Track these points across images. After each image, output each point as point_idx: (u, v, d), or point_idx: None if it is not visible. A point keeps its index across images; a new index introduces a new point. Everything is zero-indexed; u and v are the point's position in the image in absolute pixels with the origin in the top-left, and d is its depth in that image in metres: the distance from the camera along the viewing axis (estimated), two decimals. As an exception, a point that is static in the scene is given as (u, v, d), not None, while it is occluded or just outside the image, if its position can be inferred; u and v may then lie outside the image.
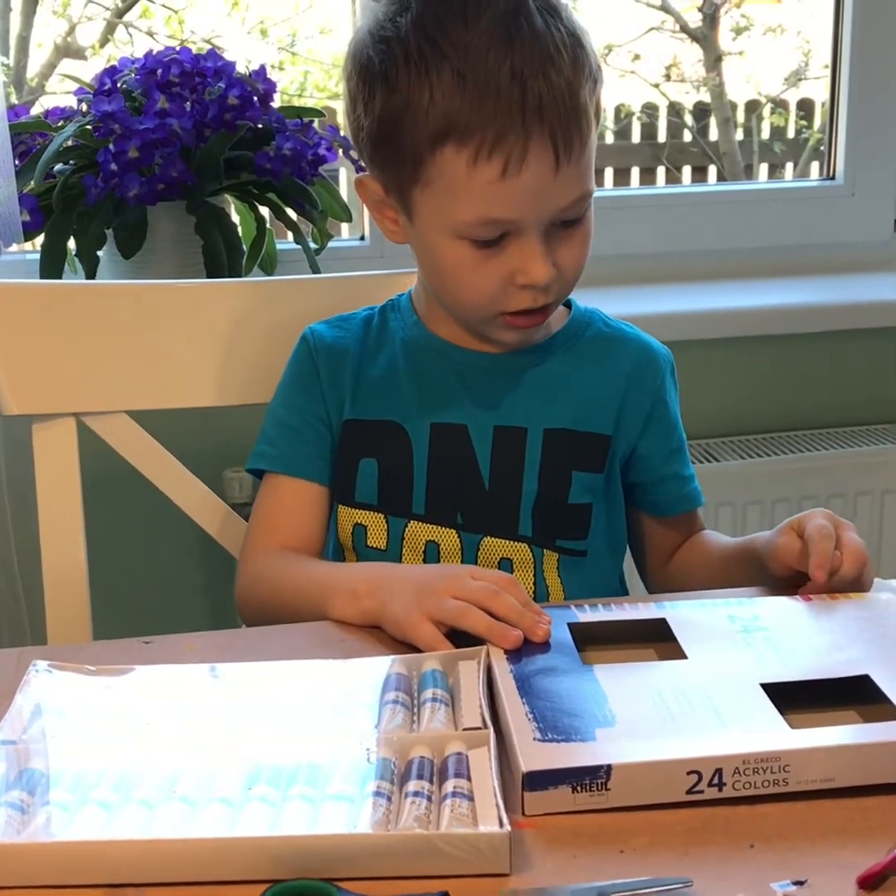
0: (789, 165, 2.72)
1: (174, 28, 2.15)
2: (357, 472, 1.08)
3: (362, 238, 1.89)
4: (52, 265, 1.52)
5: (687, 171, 2.67)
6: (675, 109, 2.67)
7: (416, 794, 0.69)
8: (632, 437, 1.09)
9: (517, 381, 1.08)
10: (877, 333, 1.92)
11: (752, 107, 2.70)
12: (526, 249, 0.98)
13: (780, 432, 1.91)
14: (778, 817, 0.70)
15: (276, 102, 1.63)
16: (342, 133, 1.61)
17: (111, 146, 1.49)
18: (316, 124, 1.64)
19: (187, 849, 0.65)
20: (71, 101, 1.62)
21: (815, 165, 2.60)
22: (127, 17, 2.14)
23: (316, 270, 1.62)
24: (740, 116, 2.65)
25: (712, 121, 2.55)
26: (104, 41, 2.15)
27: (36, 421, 1.19)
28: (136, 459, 1.22)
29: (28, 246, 1.67)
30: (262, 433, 1.12)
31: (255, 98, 1.58)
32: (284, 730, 0.78)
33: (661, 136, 2.71)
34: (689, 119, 2.66)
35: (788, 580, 0.97)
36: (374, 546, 1.07)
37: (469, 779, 0.70)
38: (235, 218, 1.66)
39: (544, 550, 1.06)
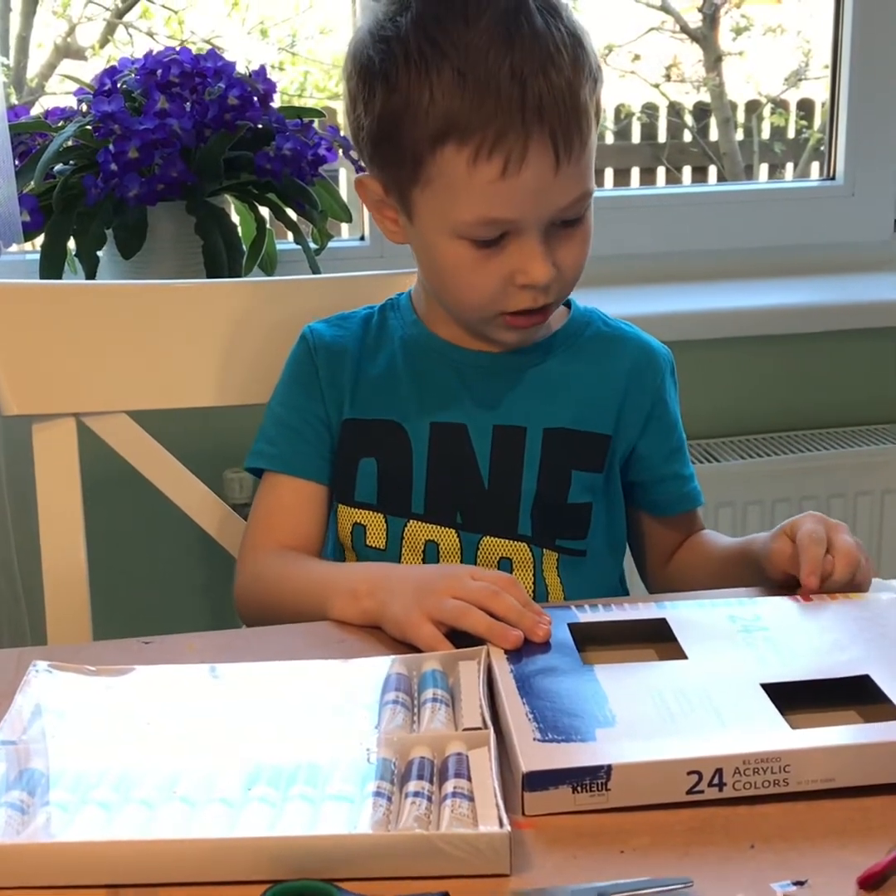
0: (789, 166, 2.73)
1: (174, 28, 2.15)
2: (356, 471, 1.08)
3: (362, 238, 1.89)
4: (52, 265, 1.52)
5: (687, 171, 2.67)
6: (675, 109, 2.67)
7: (416, 794, 0.69)
8: (632, 437, 1.09)
9: (517, 381, 1.08)
10: (877, 333, 1.92)
11: (753, 107, 2.70)
12: (526, 249, 0.98)
13: (780, 432, 1.91)
14: (778, 817, 0.70)
15: (276, 103, 1.63)
16: (342, 133, 1.61)
17: (111, 146, 1.49)
18: (316, 124, 1.64)
19: (187, 849, 0.65)
20: (71, 102, 1.62)
21: (815, 165, 2.60)
22: (127, 18, 2.14)
23: (316, 271, 1.62)
24: (740, 116, 2.65)
25: (712, 121, 2.55)
26: (104, 41, 2.15)
27: (36, 421, 1.19)
28: (136, 460, 1.22)
29: (28, 246, 1.67)
30: (260, 432, 1.12)
31: (255, 98, 1.58)
32: (284, 730, 0.78)
33: (662, 137, 2.71)
34: (689, 119, 2.66)
35: (785, 583, 0.97)
36: (374, 545, 1.07)
37: (469, 779, 0.70)
38: (235, 218, 1.66)
39: (544, 550, 1.06)
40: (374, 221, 1.13)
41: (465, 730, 0.75)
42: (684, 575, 1.12)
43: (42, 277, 1.52)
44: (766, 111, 2.72)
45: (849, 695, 0.79)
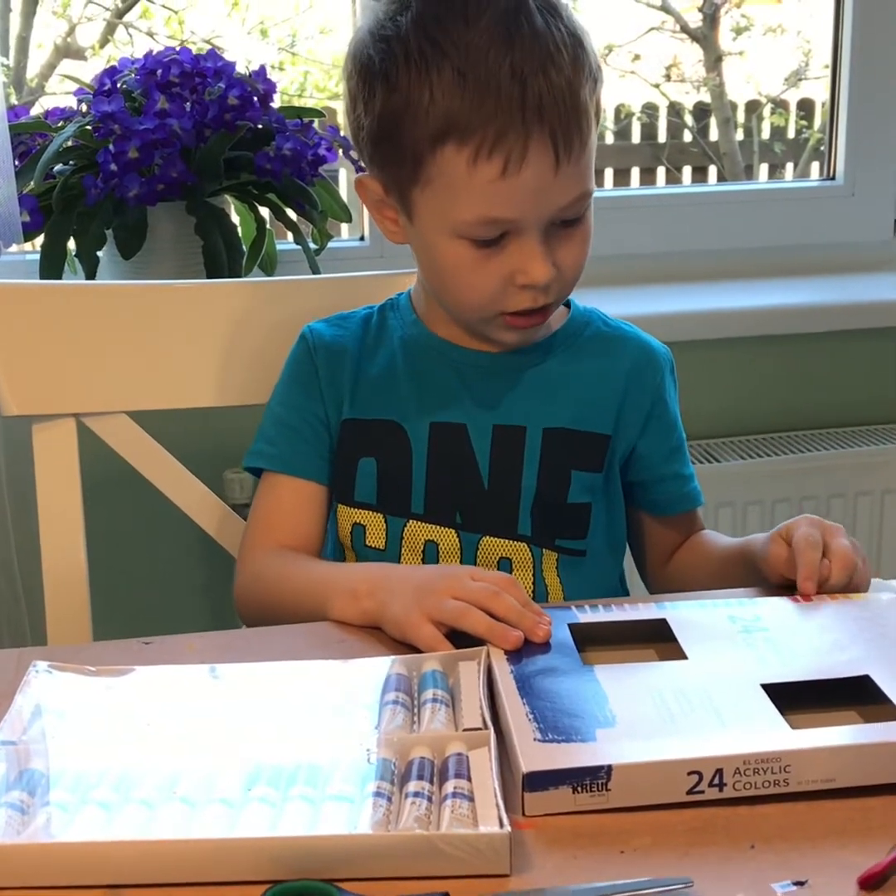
0: (789, 166, 2.72)
1: (174, 28, 2.15)
2: (356, 471, 1.08)
3: (362, 238, 1.89)
4: (51, 266, 1.52)
5: (687, 171, 2.67)
6: (675, 110, 2.67)
7: (416, 794, 0.69)
8: (631, 437, 1.09)
9: (516, 381, 1.08)
10: (877, 333, 1.92)
11: (753, 107, 2.70)
12: (526, 249, 0.98)
13: (780, 432, 1.91)
14: (779, 818, 0.70)
15: (276, 103, 1.63)
16: (342, 133, 1.61)
17: (111, 146, 1.49)
18: (316, 124, 1.64)
19: (187, 849, 0.65)
20: (71, 102, 1.62)
21: (815, 165, 2.60)
22: (127, 18, 2.14)
23: (316, 271, 1.62)
24: (740, 116, 2.65)
25: (712, 121, 2.55)
26: (104, 42, 2.15)
27: (36, 421, 1.19)
28: (136, 460, 1.22)
29: (28, 246, 1.67)
30: (259, 431, 1.12)
31: (255, 98, 1.58)
32: (285, 730, 0.78)
33: (662, 137, 2.71)
34: (689, 119, 2.66)
35: (781, 585, 0.97)
36: (373, 545, 1.07)
37: (469, 779, 0.70)
38: (235, 218, 1.66)
39: (543, 550, 1.06)
40: (373, 222, 1.12)
41: (465, 730, 0.75)
42: (684, 575, 1.12)
43: (42, 278, 1.52)
44: (767, 111, 2.72)
45: (849, 695, 0.79)
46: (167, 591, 1.75)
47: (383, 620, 0.91)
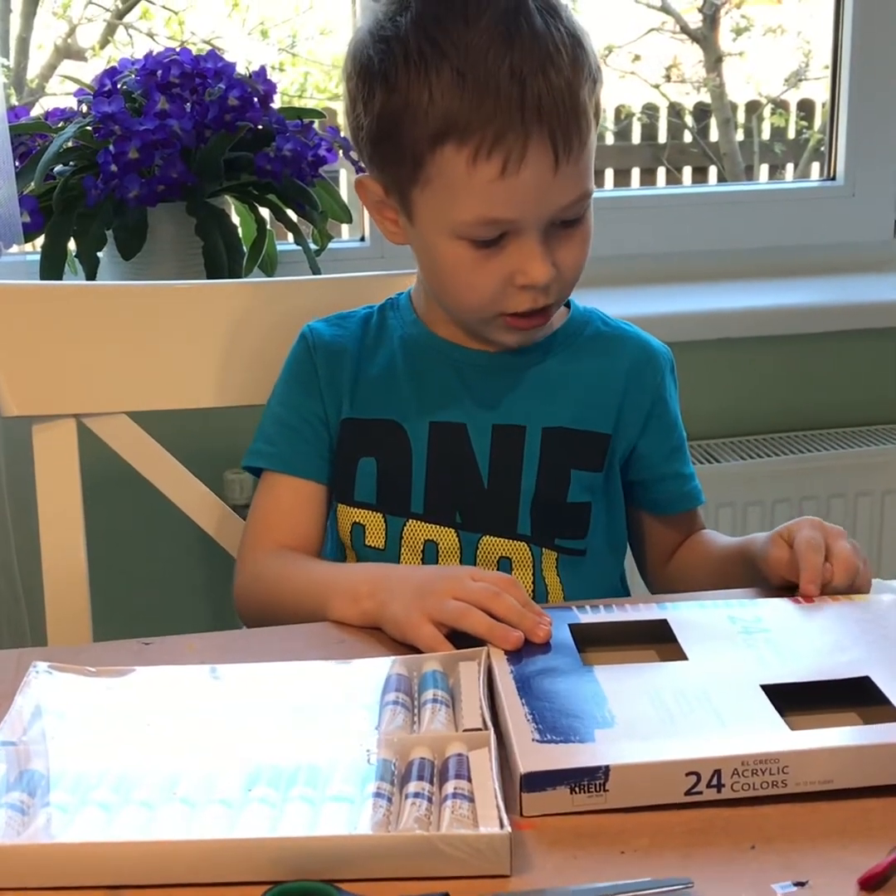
0: (790, 166, 2.72)
1: (174, 29, 2.15)
2: (356, 471, 1.08)
3: (362, 239, 1.89)
4: (52, 266, 1.52)
5: (687, 171, 2.67)
6: (675, 110, 2.67)
7: (416, 795, 0.69)
8: (632, 436, 1.09)
9: (516, 380, 1.08)
10: (877, 334, 1.92)
11: (753, 107, 2.70)
12: (525, 249, 0.98)
13: (780, 433, 1.91)
14: (779, 818, 0.70)
15: (277, 103, 1.63)
16: (342, 134, 1.61)
17: (111, 147, 1.49)
18: (316, 125, 1.64)
19: (187, 850, 0.65)
20: (71, 103, 1.62)
21: (815, 166, 2.60)
22: (127, 19, 2.14)
23: (316, 271, 1.62)
24: (741, 117, 2.65)
25: (713, 121, 2.55)
26: (104, 42, 2.15)
27: (36, 422, 1.19)
28: (136, 460, 1.22)
29: (28, 247, 1.67)
30: (259, 431, 1.12)
31: (256, 99, 1.58)
32: (285, 731, 0.78)
33: (662, 137, 2.71)
34: (689, 120, 2.65)
35: (781, 586, 0.97)
36: (373, 545, 1.07)
37: (469, 780, 0.70)
38: (236, 219, 1.66)
39: (543, 549, 1.06)
40: (374, 222, 1.12)
41: (465, 731, 0.75)
42: (685, 574, 1.12)
43: (42, 278, 1.52)
44: (767, 112, 2.71)
45: (849, 696, 0.79)
46: (167, 591, 1.75)
47: (383, 621, 0.91)
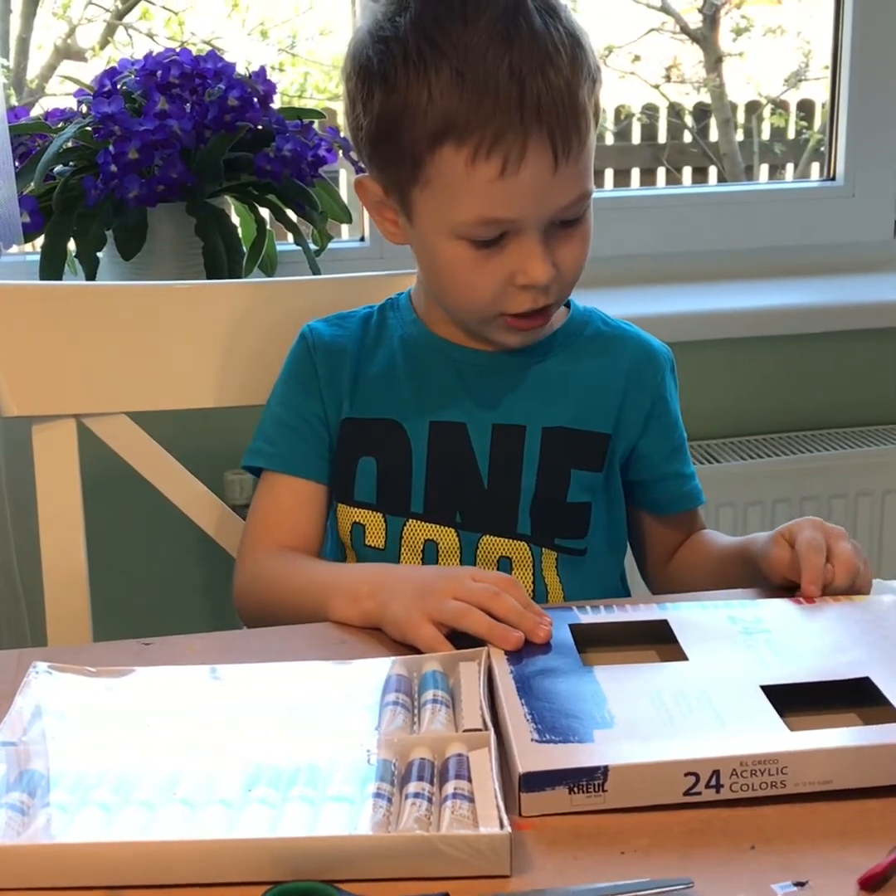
0: (790, 166, 2.72)
1: (174, 30, 2.15)
2: (356, 470, 1.08)
3: (362, 239, 1.89)
4: (52, 267, 1.52)
5: (687, 171, 2.67)
6: (675, 110, 2.67)
7: (416, 795, 0.69)
8: (632, 436, 1.09)
9: (516, 380, 1.08)
10: (877, 334, 1.92)
11: (753, 108, 2.70)
12: (525, 249, 0.98)
13: (780, 433, 1.91)
14: (779, 818, 0.70)
15: (276, 104, 1.63)
16: (342, 134, 1.61)
17: (111, 147, 1.50)
18: (316, 125, 1.64)
19: (187, 850, 0.65)
20: (71, 103, 1.62)
21: (815, 166, 2.60)
22: (127, 19, 2.14)
23: (316, 272, 1.62)
24: (740, 117, 2.65)
25: (712, 122, 2.55)
26: (104, 43, 2.14)
27: (36, 422, 1.19)
28: (136, 461, 1.22)
29: (28, 247, 1.67)
30: (259, 430, 1.12)
31: (255, 99, 1.58)
32: (285, 731, 0.78)
33: (662, 137, 2.71)
34: (689, 120, 2.65)
35: (782, 586, 0.97)
36: (373, 545, 1.07)
37: (469, 780, 0.70)
38: (235, 219, 1.66)
39: (543, 549, 1.06)
40: (373, 223, 1.12)
41: (465, 731, 0.75)
42: (685, 574, 1.12)
43: (42, 279, 1.52)
44: (767, 112, 2.71)
45: (849, 697, 0.79)
46: (167, 591, 1.75)
47: (384, 621, 0.91)
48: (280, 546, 1.07)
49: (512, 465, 1.06)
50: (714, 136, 2.54)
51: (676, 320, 1.78)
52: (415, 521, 1.06)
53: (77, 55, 2.14)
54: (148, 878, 0.64)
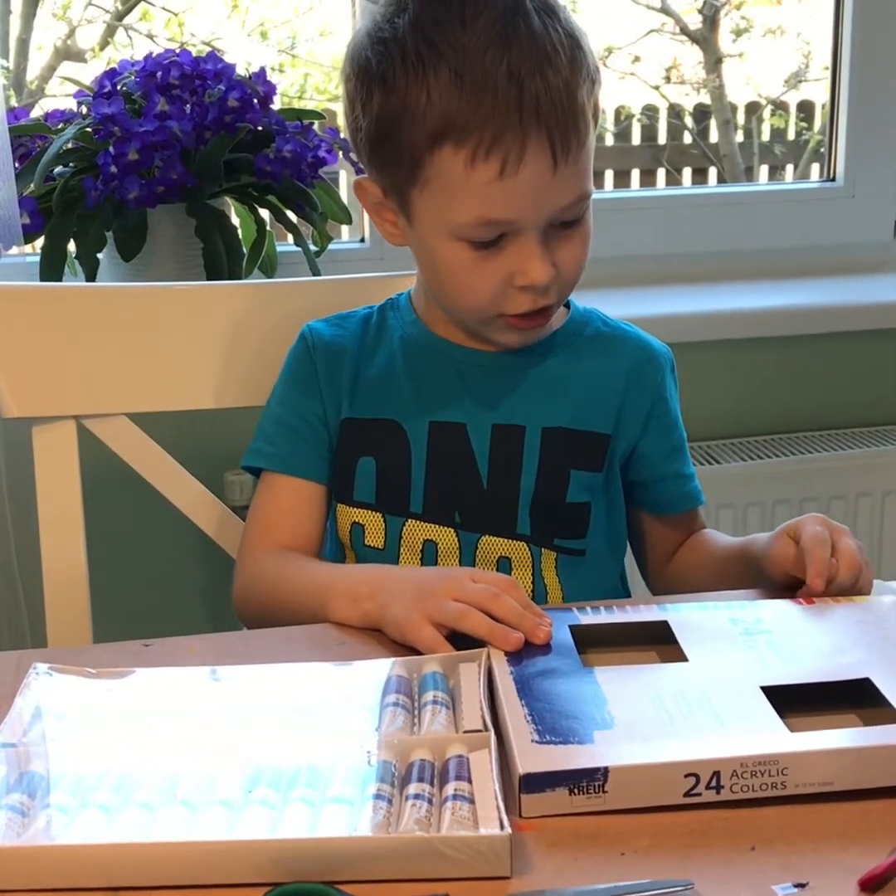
0: (789, 167, 2.72)
1: (174, 31, 2.15)
2: (355, 471, 1.08)
3: (362, 240, 1.89)
4: (52, 268, 1.52)
5: (687, 172, 2.67)
6: (675, 111, 2.67)
7: (416, 796, 0.69)
8: (632, 436, 1.09)
9: (516, 380, 1.08)
10: (877, 335, 1.92)
11: (753, 109, 2.70)
12: (524, 250, 0.98)
13: (780, 434, 1.91)
14: (779, 820, 0.70)
15: (276, 105, 1.63)
16: (342, 135, 1.61)
17: (111, 149, 1.50)
18: (316, 126, 1.64)
19: (187, 852, 0.65)
20: (71, 104, 1.62)
21: (815, 167, 2.60)
22: (127, 20, 2.14)
23: (316, 272, 1.62)
24: (740, 118, 2.65)
25: (712, 123, 2.55)
26: (104, 44, 2.15)
27: (36, 423, 1.19)
28: (136, 462, 1.22)
29: (28, 248, 1.67)
30: (258, 430, 1.12)
31: (255, 100, 1.58)
32: (285, 733, 0.78)
33: (662, 138, 2.71)
34: (689, 121, 2.65)
35: (786, 584, 0.97)
36: (372, 545, 1.07)
37: (470, 781, 0.70)
38: (235, 220, 1.66)
39: (543, 549, 1.06)
40: (373, 224, 1.13)
41: (465, 732, 0.75)
42: (685, 574, 1.12)
43: (42, 280, 1.52)
44: (766, 113, 2.71)
45: (850, 698, 0.79)
46: (167, 592, 1.75)
47: (383, 622, 0.91)
48: (280, 546, 1.07)
49: (511, 466, 1.06)
50: (714, 137, 2.54)
51: (676, 321, 1.78)
52: (414, 521, 1.06)
53: (77, 56, 2.14)
54: (148, 879, 0.64)
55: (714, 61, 2.49)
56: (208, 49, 1.74)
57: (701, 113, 2.62)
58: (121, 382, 1.21)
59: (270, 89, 1.60)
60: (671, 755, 0.71)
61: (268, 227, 1.65)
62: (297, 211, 1.62)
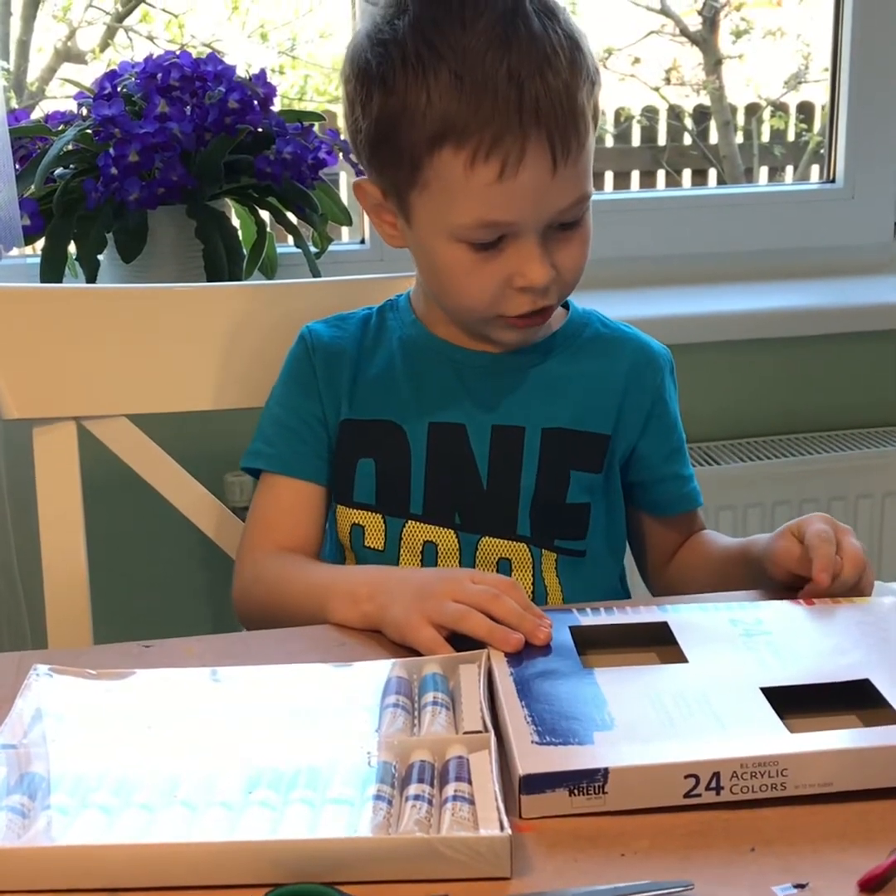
0: (789, 168, 2.72)
1: (174, 32, 2.15)
2: (355, 472, 1.08)
3: (362, 242, 1.89)
4: (52, 269, 1.52)
5: (687, 174, 2.67)
6: (675, 113, 2.67)
7: (416, 797, 0.69)
8: (632, 437, 1.09)
9: (516, 381, 1.08)
10: (877, 336, 1.92)
11: (752, 110, 2.70)
12: (523, 252, 0.98)
13: (780, 435, 1.91)
14: (779, 820, 0.70)
15: (277, 106, 1.63)
16: (342, 137, 1.62)
17: (111, 150, 1.50)
18: (316, 128, 1.64)
19: (188, 853, 0.65)
20: (71, 106, 1.63)
21: (815, 168, 2.60)
22: (127, 22, 2.15)
23: (316, 274, 1.62)
24: (740, 119, 2.65)
25: (712, 124, 2.55)
26: (104, 45, 2.15)
27: (36, 425, 1.19)
28: (137, 463, 1.22)
29: (29, 250, 1.67)
30: (258, 431, 1.12)
31: (256, 102, 1.58)
32: (285, 734, 0.78)
33: (661, 140, 2.71)
34: (689, 122, 2.65)
35: (786, 583, 0.97)
36: (372, 546, 1.07)
37: (470, 782, 0.70)
38: (236, 222, 1.66)
39: (543, 550, 1.06)
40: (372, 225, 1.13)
41: (465, 733, 0.75)
42: (685, 575, 1.12)
43: (43, 281, 1.52)
44: (766, 114, 2.71)
45: (850, 699, 0.79)
46: (168, 594, 1.75)
47: (383, 623, 0.91)
48: (279, 548, 1.08)
49: (511, 467, 1.06)
50: (714, 138, 2.54)
51: (676, 322, 1.78)
52: (414, 522, 1.06)
53: (77, 58, 2.14)
54: (148, 880, 0.64)
55: (714, 63, 2.49)
56: (208, 51, 1.74)
57: (701, 114, 2.62)
58: (121, 384, 1.21)
59: (270, 91, 1.60)
60: (671, 756, 0.71)
61: (268, 229, 1.65)
62: (297, 212, 1.62)
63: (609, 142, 2.72)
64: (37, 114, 1.68)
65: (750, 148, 2.63)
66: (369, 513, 1.07)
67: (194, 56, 1.60)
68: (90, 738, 0.77)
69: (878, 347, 1.94)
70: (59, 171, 1.55)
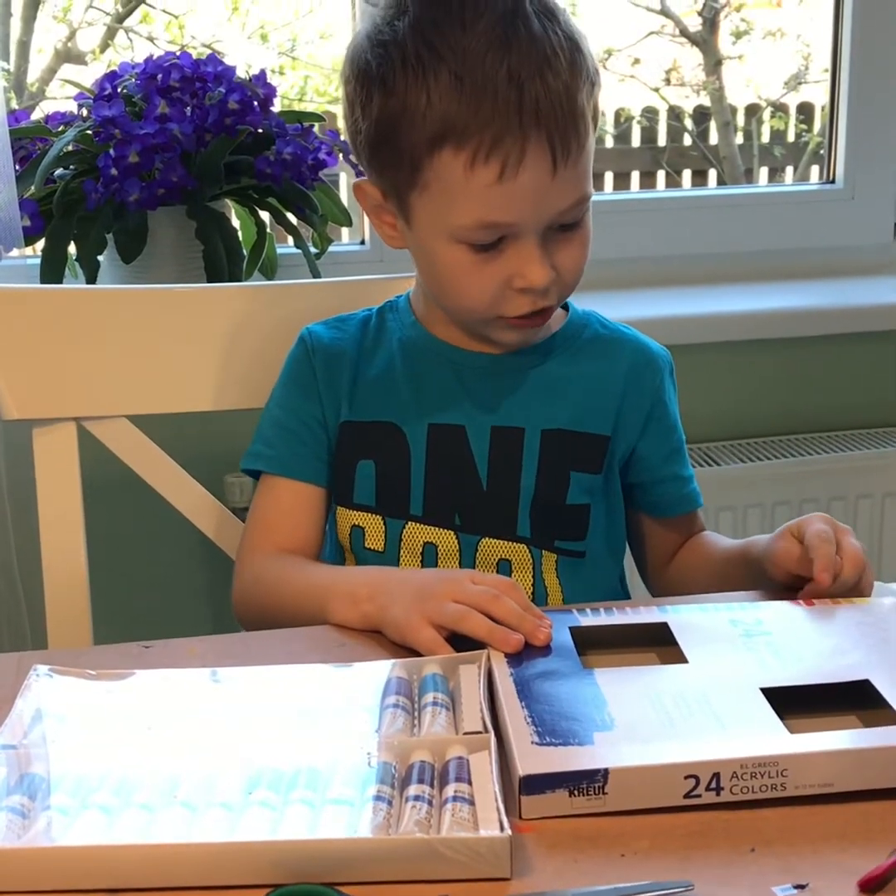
0: (789, 169, 2.72)
1: (174, 33, 2.15)
2: (355, 473, 1.08)
3: (362, 242, 1.89)
4: (52, 270, 1.52)
5: (687, 174, 2.67)
6: (674, 113, 2.67)
7: (416, 798, 0.69)
8: (631, 438, 1.09)
9: (515, 382, 1.08)
10: (877, 337, 1.92)
11: (752, 110, 2.70)
12: (523, 253, 0.98)
13: (780, 436, 1.91)
14: (779, 821, 0.70)
15: (277, 107, 1.63)
16: (342, 137, 1.62)
17: (111, 151, 1.50)
18: (316, 129, 1.64)
19: (188, 853, 0.65)
20: (71, 106, 1.63)
21: (814, 169, 2.60)
22: (127, 23, 2.15)
23: (316, 275, 1.62)
24: (740, 120, 2.65)
25: (712, 125, 2.55)
26: (104, 46, 2.15)
27: (36, 425, 1.19)
28: (137, 464, 1.22)
29: (29, 251, 1.67)
30: (257, 433, 1.12)
31: (256, 103, 1.58)
32: (285, 734, 0.78)
33: (661, 140, 2.71)
34: (689, 123, 2.65)
35: (786, 584, 0.97)
36: (372, 547, 1.08)
37: (470, 783, 0.70)
38: (236, 222, 1.66)
39: (543, 551, 1.06)
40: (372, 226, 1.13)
41: (465, 734, 0.75)
42: (685, 576, 1.12)
43: (43, 282, 1.52)
44: (766, 115, 2.71)
45: (850, 700, 0.79)
46: (168, 594, 1.75)
47: (383, 624, 0.91)
48: (279, 549, 1.08)
49: (511, 468, 1.06)
50: (714, 139, 2.54)
51: (676, 323, 1.79)
52: (414, 523, 1.07)
53: (77, 59, 2.14)
54: (148, 880, 0.64)
55: (714, 63, 2.49)
56: (208, 51, 1.74)
57: (701, 115, 2.62)
58: (121, 384, 1.21)
59: (271, 92, 1.60)
60: (671, 757, 0.71)
61: (268, 230, 1.65)
62: (297, 213, 1.62)
63: (609, 142, 2.72)
64: (37, 114, 1.68)
65: (750, 148, 2.63)
66: (369, 514, 1.07)
67: (194, 57, 1.60)
68: (90, 738, 0.77)
69: (878, 348, 1.94)
70: (59, 171, 1.55)
